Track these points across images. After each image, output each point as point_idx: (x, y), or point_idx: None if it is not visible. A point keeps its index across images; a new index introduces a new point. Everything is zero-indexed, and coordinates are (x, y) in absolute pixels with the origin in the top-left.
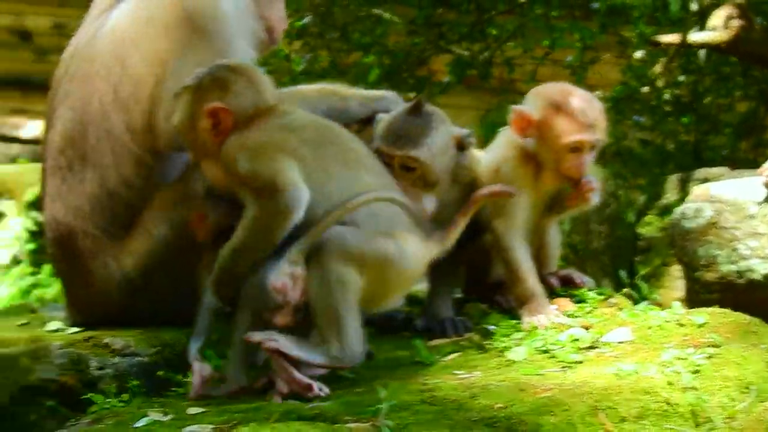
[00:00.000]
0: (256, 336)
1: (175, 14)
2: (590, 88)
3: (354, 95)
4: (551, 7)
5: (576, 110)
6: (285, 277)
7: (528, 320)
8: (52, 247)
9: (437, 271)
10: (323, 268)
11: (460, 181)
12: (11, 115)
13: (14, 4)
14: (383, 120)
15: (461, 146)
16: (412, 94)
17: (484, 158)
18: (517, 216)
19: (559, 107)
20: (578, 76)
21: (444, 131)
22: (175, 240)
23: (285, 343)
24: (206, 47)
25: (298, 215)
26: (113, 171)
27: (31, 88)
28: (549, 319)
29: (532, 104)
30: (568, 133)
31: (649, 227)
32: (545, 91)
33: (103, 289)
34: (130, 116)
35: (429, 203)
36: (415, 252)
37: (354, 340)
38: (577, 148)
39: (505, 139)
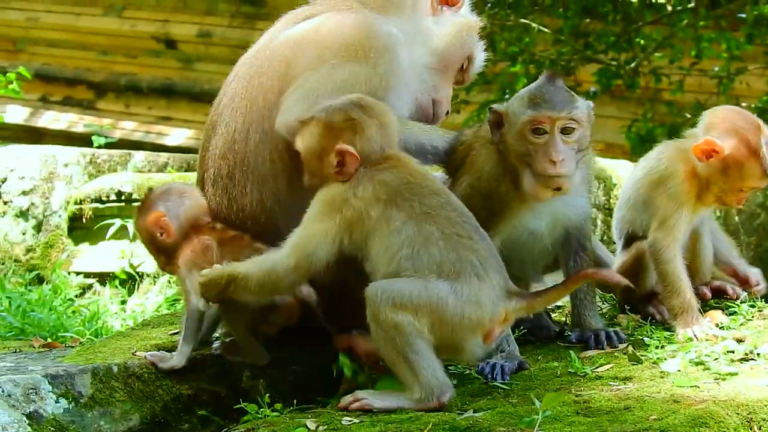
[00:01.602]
0: (346, 400)
1: (359, 37)
2: (736, 98)
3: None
4: (698, 17)
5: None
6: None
7: (682, 332)
8: None
9: None
10: (378, 321)
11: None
12: (157, 123)
13: (160, 12)
14: (520, 95)
15: (588, 118)
16: None
17: (637, 167)
18: (677, 229)
19: (752, 150)
20: (724, 87)
21: (581, 98)
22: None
23: (372, 400)
24: (374, 77)
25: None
26: (271, 182)
27: (176, 95)
28: (703, 331)
29: (724, 136)
30: (754, 178)
31: None
32: (738, 125)
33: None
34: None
35: (579, 176)
36: (481, 299)
37: (431, 377)
38: (753, 188)
39: (674, 154)
